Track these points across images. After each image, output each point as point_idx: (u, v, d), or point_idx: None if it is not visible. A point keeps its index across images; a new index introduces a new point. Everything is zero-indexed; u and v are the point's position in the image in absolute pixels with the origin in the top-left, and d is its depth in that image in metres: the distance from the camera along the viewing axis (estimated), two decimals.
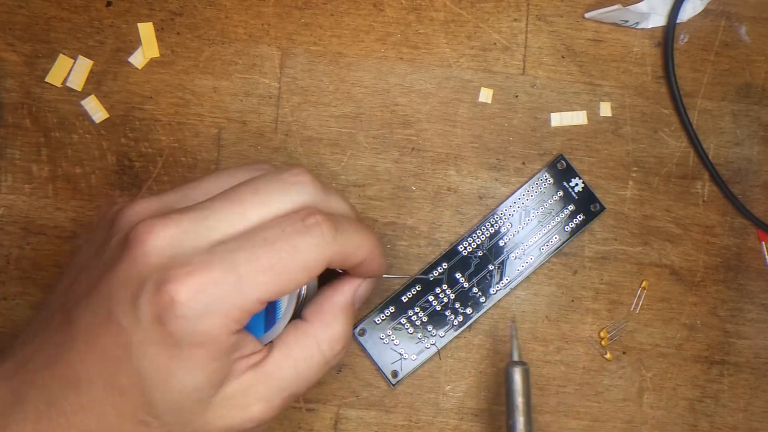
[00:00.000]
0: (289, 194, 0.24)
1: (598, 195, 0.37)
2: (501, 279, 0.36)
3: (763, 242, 0.37)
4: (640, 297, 0.37)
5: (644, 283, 0.37)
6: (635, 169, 0.37)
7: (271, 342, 0.26)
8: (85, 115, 0.37)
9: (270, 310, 0.27)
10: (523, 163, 0.37)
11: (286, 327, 0.26)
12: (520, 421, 0.32)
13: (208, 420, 0.24)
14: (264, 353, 0.25)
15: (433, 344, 0.36)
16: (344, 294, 0.27)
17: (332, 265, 0.25)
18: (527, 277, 0.36)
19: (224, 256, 0.22)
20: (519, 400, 0.32)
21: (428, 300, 0.36)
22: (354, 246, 0.25)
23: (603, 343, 0.37)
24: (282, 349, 0.25)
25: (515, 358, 0.33)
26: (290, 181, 0.25)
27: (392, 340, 0.36)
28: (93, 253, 0.25)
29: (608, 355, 0.37)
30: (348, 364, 0.36)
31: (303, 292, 0.27)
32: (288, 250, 0.23)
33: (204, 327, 0.22)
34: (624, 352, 0.37)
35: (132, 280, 0.22)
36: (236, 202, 0.24)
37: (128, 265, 0.22)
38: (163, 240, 0.22)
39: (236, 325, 0.23)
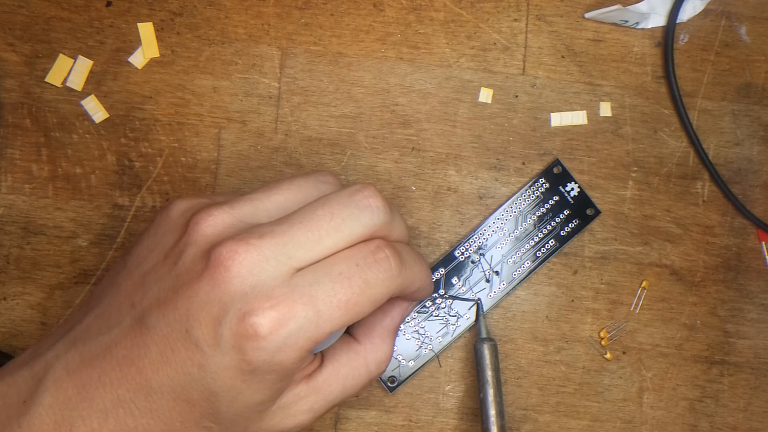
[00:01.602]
0: (361, 219, 0.25)
1: (598, 195, 0.37)
2: (498, 284, 0.36)
3: (763, 242, 0.37)
4: (640, 297, 0.37)
5: (644, 283, 0.37)
6: (635, 169, 0.37)
7: (321, 352, 0.27)
8: (85, 115, 0.37)
9: None
10: (523, 163, 0.37)
11: (337, 344, 0.28)
12: (490, 393, 0.34)
13: (262, 426, 0.25)
14: (316, 364, 0.27)
15: (431, 349, 0.36)
16: (394, 318, 0.29)
17: (393, 295, 0.26)
18: (528, 277, 0.36)
19: (304, 290, 0.23)
20: (488, 374, 0.34)
21: (425, 305, 0.36)
22: (413, 277, 0.26)
23: (603, 343, 0.37)
24: (334, 365, 0.27)
25: (483, 335, 0.35)
26: (362, 205, 0.25)
27: None
28: (162, 256, 0.25)
29: (608, 355, 0.37)
30: None
31: None
32: (361, 285, 0.24)
33: (280, 358, 0.23)
34: (624, 352, 0.37)
35: (213, 303, 0.23)
36: (313, 228, 0.24)
37: (210, 288, 0.23)
38: (245, 267, 0.23)
39: (307, 354, 0.24)
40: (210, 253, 0.23)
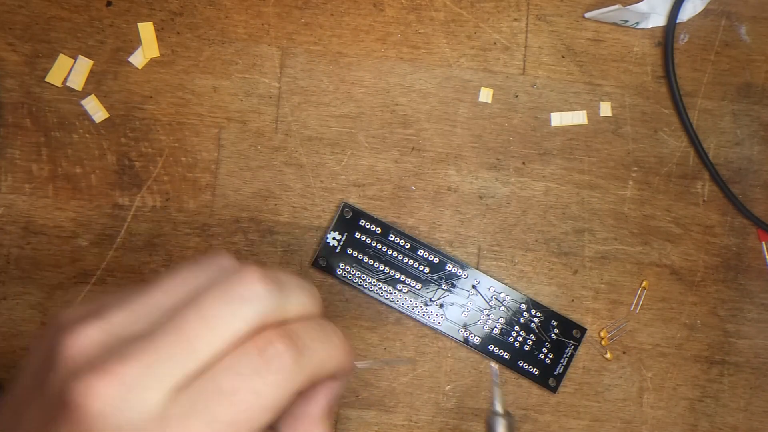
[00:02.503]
0: (239, 312, 0.21)
1: (597, 195, 0.37)
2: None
3: (763, 242, 0.37)
4: (640, 297, 0.37)
5: (644, 283, 0.37)
6: (635, 168, 0.37)
7: None
8: (85, 115, 0.37)
9: None
10: (523, 163, 0.37)
11: None
12: None
13: None
14: None
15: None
16: (319, 404, 0.24)
17: (300, 390, 0.22)
18: (528, 277, 0.37)
19: (179, 424, 0.19)
20: None
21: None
22: (322, 362, 0.22)
23: (603, 343, 0.37)
24: None
25: (497, 408, 0.29)
26: (238, 295, 0.21)
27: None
28: (31, 386, 0.22)
29: (608, 355, 0.37)
30: None
31: None
32: (248, 399, 0.20)
33: None
34: (624, 352, 0.37)
35: None
36: (182, 337, 0.20)
37: (70, 430, 0.19)
38: (108, 404, 0.19)
39: None
40: (68, 389, 0.20)
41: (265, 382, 0.20)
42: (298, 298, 0.23)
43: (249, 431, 0.20)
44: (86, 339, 0.21)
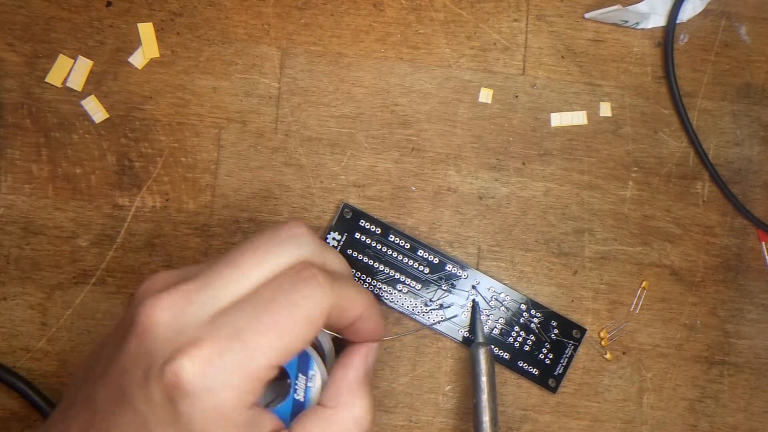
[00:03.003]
0: (286, 249, 0.24)
1: (597, 195, 0.37)
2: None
3: (763, 242, 0.37)
4: (640, 297, 0.37)
5: (644, 283, 0.37)
6: (635, 169, 0.37)
7: (291, 427, 0.25)
8: (85, 115, 0.37)
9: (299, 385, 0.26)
10: (523, 163, 0.37)
11: (306, 414, 0.25)
12: (484, 399, 0.33)
13: None
14: None
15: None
16: (356, 369, 0.26)
17: (331, 318, 0.24)
18: (528, 277, 0.37)
19: (226, 323, 0.22)
20: (483, 379, 0.34)
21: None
22: (351, 299, 0.25)
23: (603, 343, 0.37)
24: None
25: (479, 338, 0.35)
26: (286, 235, 0.24)
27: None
28: (115, 328, 0.25)
29: (608, 355, 0.37)
30: None
31: (317, 369, 0.27)
32: (288, 306, 0.23)
33: (214, 403, 0.21)
34: (624, 352, 0.37)
35: (141, 357, 0.22)
36: (236, 264, 0.23)
37: (136, 342, 0.22)
38: (167, 314, 0.22)
39: (249, 397, 0.22)
40: (136, 308, 0.23)
41: (301, 294, 0.23)
42: (336, 257, 0.26)
43: (290, 339, 0.23)
44: (159, 280, 0.24)
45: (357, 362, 0.27)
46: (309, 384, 0.26)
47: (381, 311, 0.27)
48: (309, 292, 0.23)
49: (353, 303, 0.25)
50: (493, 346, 0.36)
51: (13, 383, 0.35)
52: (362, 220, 0.36)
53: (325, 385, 0.26)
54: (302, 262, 0.24)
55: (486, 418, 0.33)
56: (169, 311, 0.22)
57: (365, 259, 0.36)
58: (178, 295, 0.22)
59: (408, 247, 0.36)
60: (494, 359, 0.35)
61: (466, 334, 0.36)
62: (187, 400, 0.21)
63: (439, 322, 0.36)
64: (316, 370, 0.27)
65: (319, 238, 0.25)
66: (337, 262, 0.26)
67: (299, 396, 0.26)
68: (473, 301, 0.36)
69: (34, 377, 0.35)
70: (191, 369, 0.21)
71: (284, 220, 0.25)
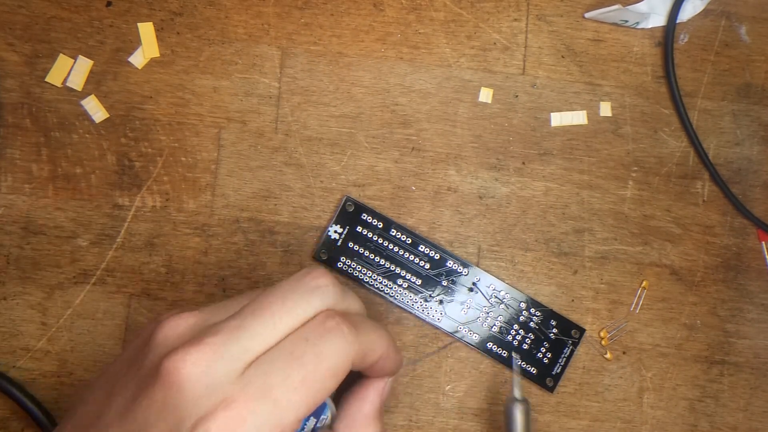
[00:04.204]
0: (312, 299, 0.25)
1: (597, 195, 0.37)
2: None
3: (763, 242, 0.37)
4: (640, 297, 0.37)
5: (644, 283, 0.37)
6: (635, 169, 0.37)
7: None
8: (85, 115, 0.37)
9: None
10: (523, 163, 0.37)
11: None
12: None
13: None
14: None
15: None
16: (372, 402, 0.27)
17: (354, 364, 0.25)
18: (528, 277, 0.37)
19: (256, 379, 0.22)
20: None
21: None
22: (372, 342, 0.26)
23: (603, 343, 0.37)
24: None
25: (516, 395, 0.33)
26: (312, 285, 0.25)
27: None
28: (127, 364, 0.25)
29: (608, 355, 0.37)
30: None
31: (329, 414, 0.28)
32: (314, 360, 0.23)
33: None
34: (624, 352, 0.37)
35: (169, 411, 0.22)
36: (267, 315, 0.24)
37: (164, 394, 0.22)
38: (199, 368, 0.22)
39: None
40: (162, 359, 0.22)
41: (327, 346, 0.24)
42: (354, 301, 0.27)
43: (316, 393, 0.23)
44: (185, 322, 0.24)
45: (372, 396, 0.27)
46: (317, 425, 0.27)
47: (398, 348, 0.28)
48: (335, 344, 0.24)
49: (374, 348, 0.26)
50: (491, 344, 0.36)
51: (5, 388, 0.34)
52: (364, 214, 0.36)
53: (340, 416, 0.27)
54: (326, 312, 0.25)
55: None
56: (198, 367, 0.22)
57: (366, 253, 0.36)
58: (208, 350, 0.22)
59: (409, 242, 0.36)
60: (530, 415, 0.33)
61: (468, 335, 0.36)
62: None
63: (445, 346, 0.35)
64: (328, 415, 0.27)
65: (340, 283, 0.26)
66: (356, 305, 0.27)
67: None
68: (514, 354, 0.35)
69: (34, 377, 0.35)
70: (224, 429, 0.21)
71: (305, 268, 0.26)
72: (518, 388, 0.33)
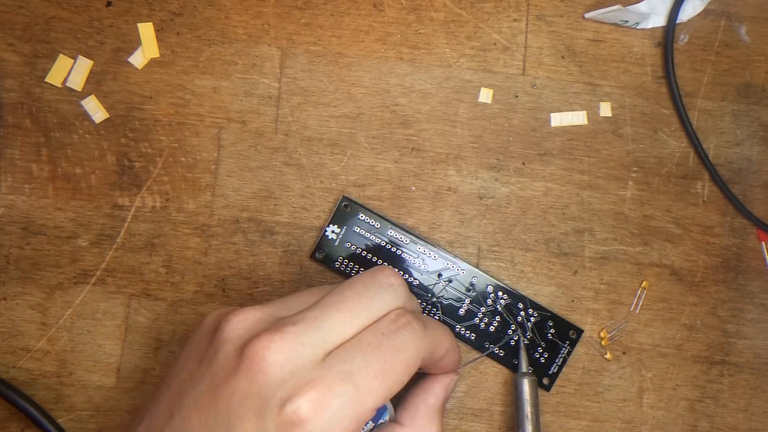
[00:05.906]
0: (385, 297, 0.26)
1: (597, 195, 0.37)
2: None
3: (763, 242, 0.37)
4: (640, 297, 0.37)
5: (644, 283, 0.37)
6: (635, 169, 0.37)
7: None
8: (85, 115, 0.37)
9: None
10: (523, 163, 0.37)
11: (381, 430, 0.28)
12: (529, 429, 0.34)
13: None
14: None
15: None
16: (437, 395, 0.29)
17: (424, 360, 0.26)
18: (528, 277, 0.37)
19: (340, 368, 0.24)
20: (527, 409, 0.34)
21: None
22: (439, 339, 0.27)
23: (603, 343, 0.37)
24: None
25: (523, 369, 0.35)
26: (385, 284, 0.27)
27: None
28: (197, 361, 0.25)
29: (608, 355, 0.37)
30: None
31: (387, 418, 0.29)
32: (392, 352, 0.25)
33: None
34: (624, 352, 0.37)
35: (253, 397, 0.23)
36: (345, 310, 0.25)
37: (248, 381, 0.23)
38: (281, 355, 0.23)
39: None
40: (244, 347, 0.23)
41: (402, 339, 0.25)
42: (414, 299, 0.28)
43: (393, 383, 0.25)
44: (251, 316, 0.25)
45: (438, 389, 0.29)
46: (375, 427, 0.28)
47: (455, 342, 0.30)
48: (408, 338, 0.25)
49: (441, 344, 0.27)
50: (488, 343, 0.36)
51: (2, 392, 0.34)
52: (361, 214, 0.36)
53: (404, 405, 0.29)
54: (396, 311, 0.26)
55: None
56: (282, 353, 0.23)
57: (363, 253, 0.36)
58: (290, 338, 0.24)
59: (407, 242, 0.36)
60: (538, 389, 0.35)
61: (462, 330, 0.36)
62: None
63: (477, 358, 0.36)
64: (387, 418, 0.28)
65: (406, 283, 0.28)
66: (416, 305, 0.28)
67: None
68: (521, 332, 0.36)
69: (34, 377, 0.35)
70: (309, 408, 0.22)
71: (376, 266, 0.27)
72: (525, 362, 0.35)
